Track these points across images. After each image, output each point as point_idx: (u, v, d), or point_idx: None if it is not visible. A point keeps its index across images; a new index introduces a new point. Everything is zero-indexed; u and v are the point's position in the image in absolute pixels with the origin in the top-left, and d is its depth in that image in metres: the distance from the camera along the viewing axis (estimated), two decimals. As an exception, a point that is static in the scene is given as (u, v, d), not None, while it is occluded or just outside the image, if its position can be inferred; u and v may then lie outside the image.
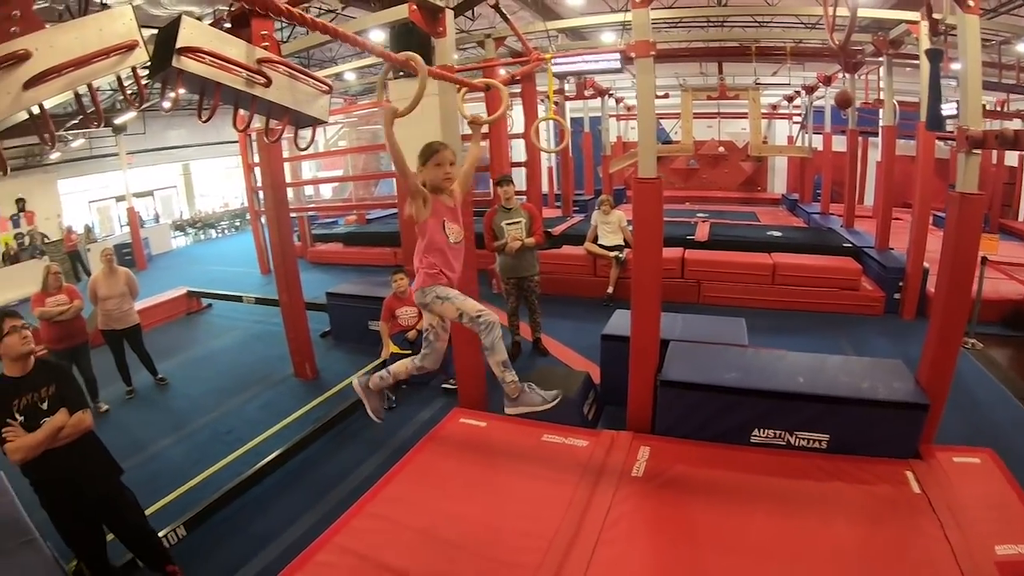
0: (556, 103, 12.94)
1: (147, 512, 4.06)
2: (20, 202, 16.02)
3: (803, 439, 3.82)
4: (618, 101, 13.59)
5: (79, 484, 3.13)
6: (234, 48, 3.21)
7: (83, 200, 18.26)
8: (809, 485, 3.40)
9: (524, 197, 9.93)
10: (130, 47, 2.49)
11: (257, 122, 3.68)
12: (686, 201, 13.07)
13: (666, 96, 11.62)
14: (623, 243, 7.80)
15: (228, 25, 3.22)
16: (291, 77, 3.73)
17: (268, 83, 3.41)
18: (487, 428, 4.45)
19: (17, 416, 2.94)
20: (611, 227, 8.03)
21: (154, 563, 3.56)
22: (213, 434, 5.51)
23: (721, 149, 14.42)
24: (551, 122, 11.89)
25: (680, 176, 14.85)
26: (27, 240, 15.97)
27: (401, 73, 8.25)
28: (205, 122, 3.55)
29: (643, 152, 3.95)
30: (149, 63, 2.63)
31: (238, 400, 6.18)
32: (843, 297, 6.96)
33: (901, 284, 6.87)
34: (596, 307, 7.48)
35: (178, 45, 2.60)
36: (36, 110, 2.31)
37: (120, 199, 17.16)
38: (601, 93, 12.56)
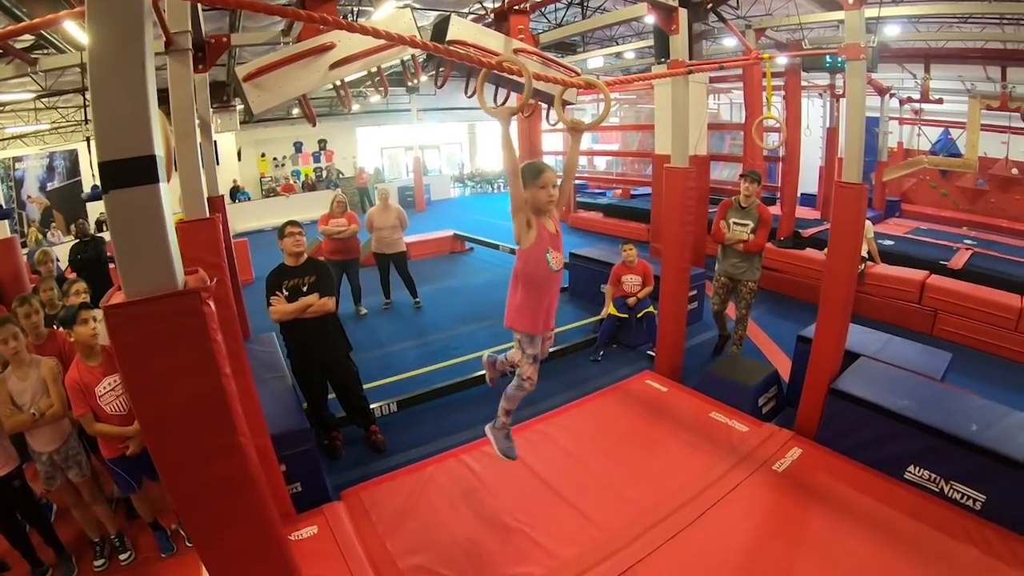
0: (835, 96, 12.15)
1: (372, 386, 5.38)
2: (322, 142, 19.76)
3: (958, 491, 3.50)
4: (903, 102, 12.20)
5: (315, 349, 4.30)
6: (494, 40, 4.02)
7: (376, 146, 21.58)
8: (942, 540, 3.17)
9: (778, 194, 9.72)
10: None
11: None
12: (964, 225, 11.40)
13: (940, 101, 10.23)
14: (865, 255, 7.35)
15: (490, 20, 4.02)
16: (543, 64, 4.46)
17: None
18: (666, 393, 4.90)
19: (284, 291, 4.20)
20: (856, 237, 7.52)
21: (360, 423, 4.73)
22: (443, 347, 6.71)
23: (1015, 171, 12.17)
24: (827, 117, 11.10)
25: (965, 196, 12.82)
26: (324, 173, 19.61)
27: (663, 60, 8.69)
28: (469, 97, 4.46)
29: (849, 156, 3.94)
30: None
31: (472, 327, 7.32)
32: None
33: None
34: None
35: (448, 38, 3.43)
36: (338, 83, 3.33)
37: (408, 149, 19.94)
38: (881, 92, 11.42)
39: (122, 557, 3.37)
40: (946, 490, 3.56)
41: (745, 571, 3.06)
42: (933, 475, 3.61)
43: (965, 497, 3.48)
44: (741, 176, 5.77)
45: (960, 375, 5.08)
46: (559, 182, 2.71)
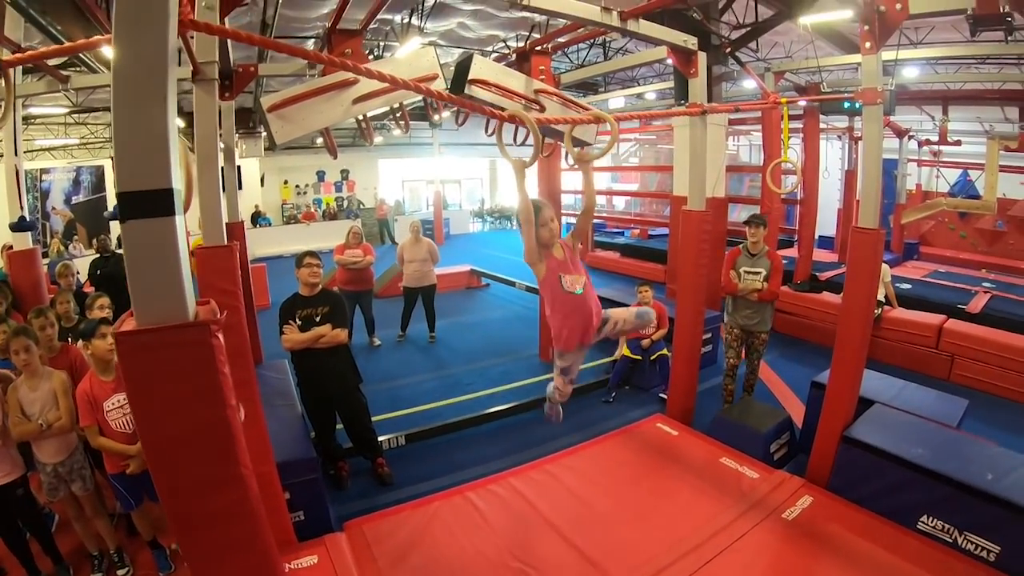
0: (854, 139, 12.19)
1: (381, 418, 5.35)
2: (344, 172, 20.18)
3: (971, 542, 3.41)
4: (921, 144, 12.21)
5: (324, 378, 4.32)
6: (515, 80, 4.10)
7: (398, 178, 21.95)
8: None
9: (796, 236, 9.70)
10: (432, 77, 3.44)
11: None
12: (983, 268, 11.27)
13: (958, 143, 10.23)
14: (882, 299, 7.28)
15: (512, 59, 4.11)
16: (563, 105, 4.54)
17: (542, 109, 4.23)
18: (677, 437, 4.84)
19: (297, 320, 4.26)
20: (873, 281, 7.38)
21: (368, 455, 4.71)
22: (456, 382, 6.71)
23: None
24: (845, 159, 10.98)
25: (984, 239, 12.67)
26: (345, 203, 19.92)
27: (682, 102, 8.79)
28: (489, 135, 4.53)
29: (865, 202, 3.93)
30: (448, 89, 3.58)
31: (486, 363, 7.33)
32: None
33: None
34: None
35: (470, 77, 3.51)
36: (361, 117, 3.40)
37: (430, 182, 20.22)
38: (899, 134, 11.43)
39: (120, 572, 3.38)
40: (960, 541, 3.47)
41: (751, 622, 2.97)
42: (947, 525, 3.53)
43: (979, 548, 3.38)
44: (746, 222, 5.42)
45: (977, 422, 5.01)
46: (555, 220, 2.92)
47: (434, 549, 3.49)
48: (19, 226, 4.92)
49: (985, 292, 8.28)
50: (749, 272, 5.28)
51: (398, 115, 3.95)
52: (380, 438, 4.83)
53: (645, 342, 6.30)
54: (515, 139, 4.89)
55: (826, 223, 12.06)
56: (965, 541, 3.45)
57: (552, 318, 2.99)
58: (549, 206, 2.93)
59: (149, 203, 1.48)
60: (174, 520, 1.73)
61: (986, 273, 10.73)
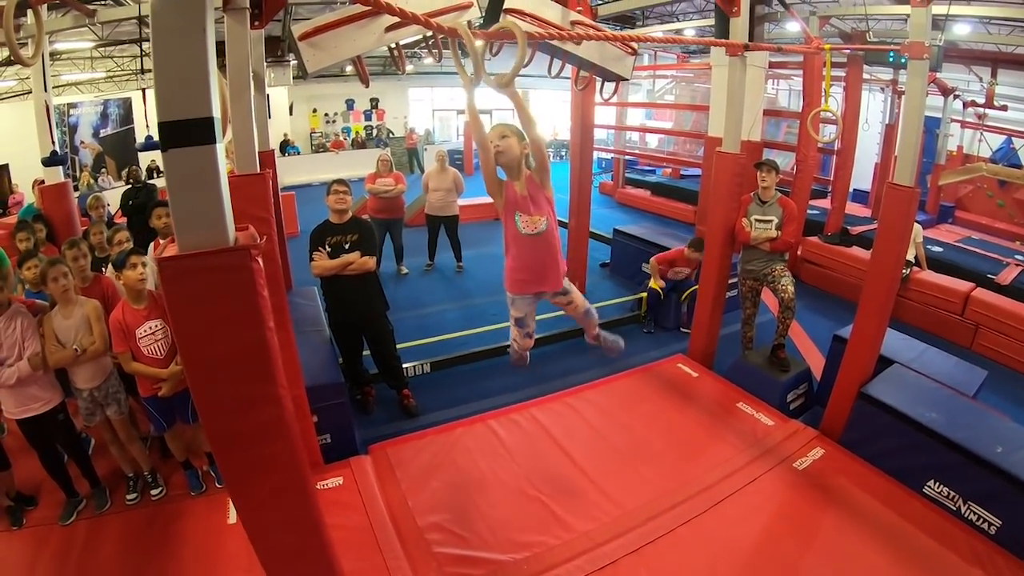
0: (897, 92, 11.68)
1: (408, 345, 5.50)
2: (374, 101, 19.96)
3: (974, 513, 3.40)
4: (966, 105, 11.67)
5: (352, 304, 4.42)
6: (551, 11, 3.98)
7: (428, 108, 21.60)
8: (951, 560, 3.10)
9: (830, 187, 9.48)
10: (466, 6, 3.36)
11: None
12: (1017, 240, 10.86)
13: (1004, 108, 9.75)
14: (912, 260, 7.16)
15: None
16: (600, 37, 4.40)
17: (579, 42, 4.11)
18: (696, 379, 4.92)
19: (326, 247, 4.32)
20: (904, 240, 7.18)
21: (393, 384, 4.84)
22: (481, 312, 6.79)
23: (1076, 190, 11.55)
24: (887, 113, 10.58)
25: (1022, 210, 12.17)
26: (375, 132, 19.77)
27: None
28: (524, 66, 4.43)
29: (902, 158, 3.84)
30: (482, 18, 3.50)
31: None
32: None
33: None
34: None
35: (505, 6, 3.41)
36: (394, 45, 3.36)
37: (460, 112, 19.88)
38: (945, 92, 10.93)
39: (153, 492, 3.52)
40: (963, 510, 3.47)
41: (751, 564, 3.08)
42: (952, 492, 3.53)
43: (981, 519, 3.39)
44: (757, 166, 4.94)
45: (994, 394, 4.96)
46: (509, 138, 2.68)
47: (455, 474, 3.66)
48: (51, 160, 5.00)
49: (1017, 265, 8.01)
50: (760, 220, 4.88)
51: (431, 43, 3.88)
52: (406, 364, 4.97)
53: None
54: (550, 71, 4.76)
55: (862, 176, 11.72)
56: (968, 511, 3.45)
57: (507, 257, 2.83)
58: (505, 125, 2.71)
59: (190, 132, 1.50)
60: (213, 438, 1.81)
61: (1020, 246, 10.38)
